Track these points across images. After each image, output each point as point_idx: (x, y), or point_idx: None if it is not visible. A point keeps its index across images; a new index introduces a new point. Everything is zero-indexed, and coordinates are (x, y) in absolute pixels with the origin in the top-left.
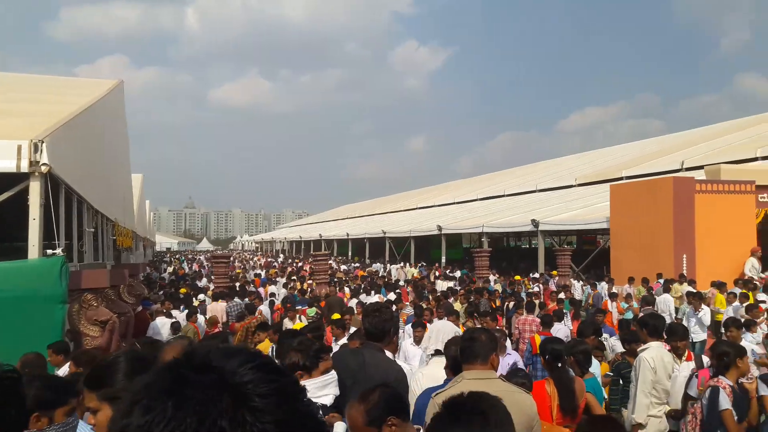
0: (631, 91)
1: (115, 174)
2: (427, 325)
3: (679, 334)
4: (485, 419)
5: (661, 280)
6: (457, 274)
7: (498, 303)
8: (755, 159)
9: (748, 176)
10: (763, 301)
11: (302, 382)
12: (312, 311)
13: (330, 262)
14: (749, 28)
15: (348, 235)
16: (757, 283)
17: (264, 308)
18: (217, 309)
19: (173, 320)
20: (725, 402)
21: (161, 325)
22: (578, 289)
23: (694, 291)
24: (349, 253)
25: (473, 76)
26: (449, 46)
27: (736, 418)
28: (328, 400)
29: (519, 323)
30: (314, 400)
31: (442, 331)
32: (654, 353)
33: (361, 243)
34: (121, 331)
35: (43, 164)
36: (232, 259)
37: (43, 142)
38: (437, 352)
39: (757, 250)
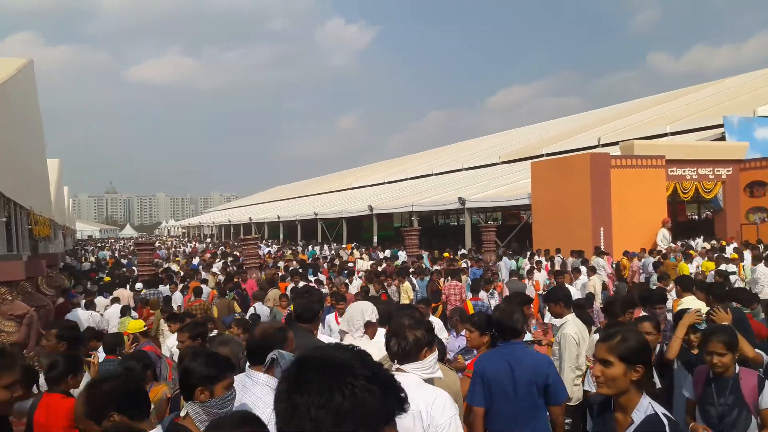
0: (552, 68)
1: (28, 159)
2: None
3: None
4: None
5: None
6: (387, 253)
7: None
8: (665, 135)
9: (659, 151)
10: (734, 272)
11: (425, 360)
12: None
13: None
14: (660, 7)
15: (279, 217)
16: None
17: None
18: (124, 294)
19: (93, 311)
20: (588, 383)
21: (75, 318)
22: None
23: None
24: (281, 236)
25: (401, 54)
26: (376, 24)
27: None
28: (441, 374)
29: (446, 288)
30: (429, 376)
31: (361, 309)
32: (575, 328)
33: (292, 225)
34: (41, 325)
35: None
36: (157, 245)
37: None
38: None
39: (668, 221)
